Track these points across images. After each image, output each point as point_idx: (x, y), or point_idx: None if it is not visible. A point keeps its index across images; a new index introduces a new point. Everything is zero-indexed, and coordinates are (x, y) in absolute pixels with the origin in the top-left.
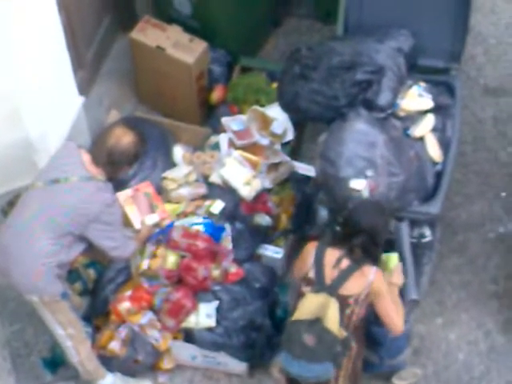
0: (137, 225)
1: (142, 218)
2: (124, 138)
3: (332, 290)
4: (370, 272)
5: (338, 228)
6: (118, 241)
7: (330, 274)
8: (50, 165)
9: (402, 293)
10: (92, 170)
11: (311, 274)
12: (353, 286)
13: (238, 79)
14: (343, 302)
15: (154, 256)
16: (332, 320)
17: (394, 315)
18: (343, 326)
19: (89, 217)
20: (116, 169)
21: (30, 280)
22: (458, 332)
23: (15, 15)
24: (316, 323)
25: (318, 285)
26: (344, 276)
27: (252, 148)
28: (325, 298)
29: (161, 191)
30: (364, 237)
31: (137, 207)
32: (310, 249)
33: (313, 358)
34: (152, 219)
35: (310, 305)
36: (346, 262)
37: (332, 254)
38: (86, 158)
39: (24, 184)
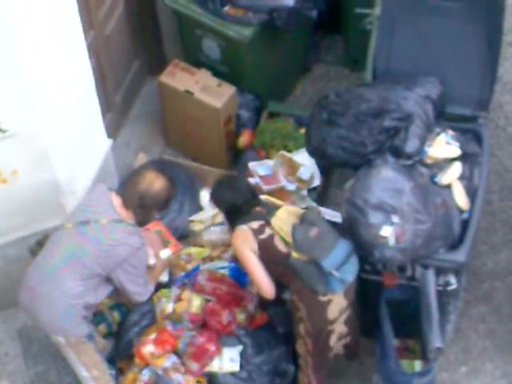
0: (151, 261)
1: (156, 254)
2: (156, 183)
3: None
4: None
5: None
6: (140, 286)
7: (261, 211)
8: (81, 206)
9: (426, 340)
10: (122, 213)
11: (255, 226)
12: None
13: (265, 124)
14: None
15: (178, 299)
16: (296, 209)
17: None
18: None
19: (117, 259)
20: (146, 213)
21: (57, 321)
22: (483, 381)
23: (46, 57)
24: (303, 220)
25: (267, 214)
26: (269, 206)
27: (279, 193)
28: (282, 209)
29: (188, 234)
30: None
31: (150, 245)
32: (240, 233)
33: (334, 239)
34: (165, 253)
35: (286, 221)
36: (259, 209)
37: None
38: (117, 200)
39: (50, 226)
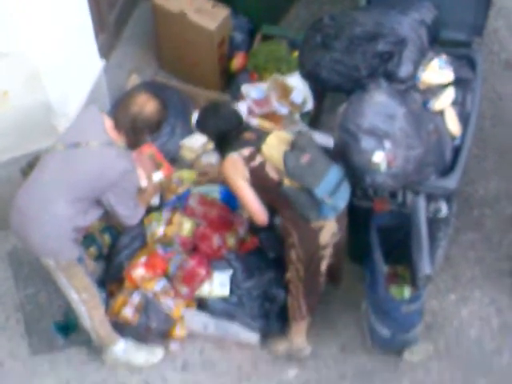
0: (143, 183)
1: (149, 176)
2: (148, 106)
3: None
4: None
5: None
6: (130, 209)
7: (251, 137)
8: (72, 128)
9: (416, 267)
10: (113, 135)
11: (246, 153)
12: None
13: (259, 47)
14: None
15: (169, 223)
16: (286, 135)
17: None
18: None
19: (107, 182)
20: (138, 135)
21: (47, 243)
22: (471, 308)
23: None
24: (294, 146)
25: (257, 140)
26: (259, 132)
27: (271, 116)
28: (273, 135)
29: (178, 159)
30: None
31: (142, 168)
32: (230, 161)
33: (326, 165)
34: (157, 176)
35: (277, 147)
36: (248, 135)
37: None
38: (108, 123)
39: (42, 147)
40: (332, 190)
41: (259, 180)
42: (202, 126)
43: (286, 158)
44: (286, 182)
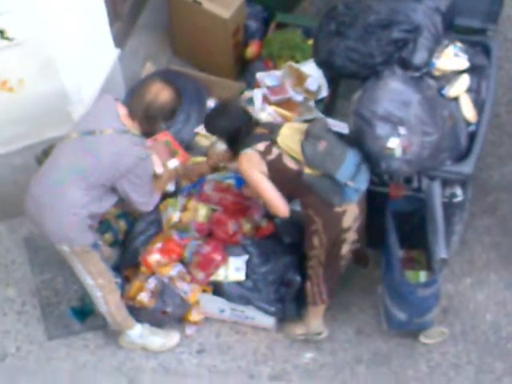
0: (158, 170)
1: (164, 163)
2: (162, 94)
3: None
4: None
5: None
6: (145, 196)
7: (263, 131)
8: (86, 116)
9: (432, 251)
10: (128, 123)
11: (261, 147)
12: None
13: (273, 35)
14: None
15: (185, 209)
16: (299, 125)
17: None
18: None
19: (121, 169)
20: (152, 123)
21: (62, 230)
22: (487, 292)
23: None
24: (309, 135)
25: (270, 134)
26: (271, 125)
27: (286, 104)
28: (285, 127)
29: (193, 146)
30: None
31: (157, 155)
32: (245, 157)
33: (343, 150)
34: (173, 163)
35: (292, 138)
36: (260, 130)
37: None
38: (123, 111)
39: (57, 134)
40: (353, 174)
41: (278, 172)
42: (211, 128)
43: (304, 147)
44: (307, 170)
